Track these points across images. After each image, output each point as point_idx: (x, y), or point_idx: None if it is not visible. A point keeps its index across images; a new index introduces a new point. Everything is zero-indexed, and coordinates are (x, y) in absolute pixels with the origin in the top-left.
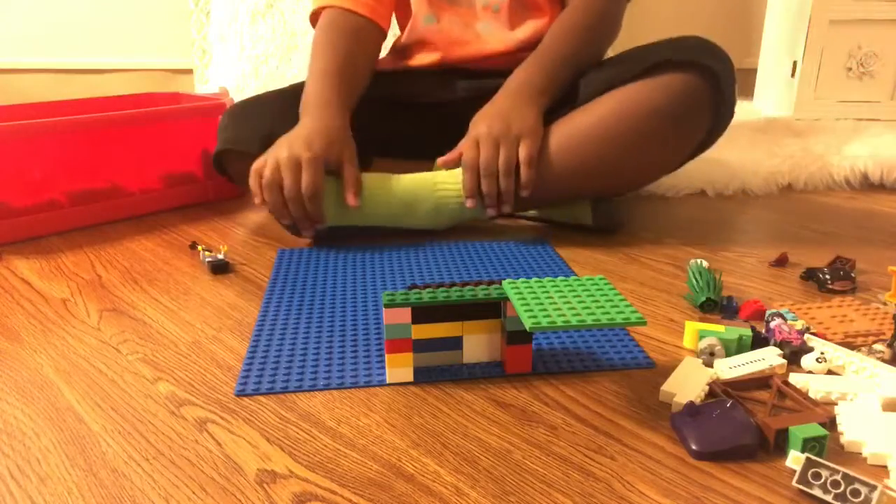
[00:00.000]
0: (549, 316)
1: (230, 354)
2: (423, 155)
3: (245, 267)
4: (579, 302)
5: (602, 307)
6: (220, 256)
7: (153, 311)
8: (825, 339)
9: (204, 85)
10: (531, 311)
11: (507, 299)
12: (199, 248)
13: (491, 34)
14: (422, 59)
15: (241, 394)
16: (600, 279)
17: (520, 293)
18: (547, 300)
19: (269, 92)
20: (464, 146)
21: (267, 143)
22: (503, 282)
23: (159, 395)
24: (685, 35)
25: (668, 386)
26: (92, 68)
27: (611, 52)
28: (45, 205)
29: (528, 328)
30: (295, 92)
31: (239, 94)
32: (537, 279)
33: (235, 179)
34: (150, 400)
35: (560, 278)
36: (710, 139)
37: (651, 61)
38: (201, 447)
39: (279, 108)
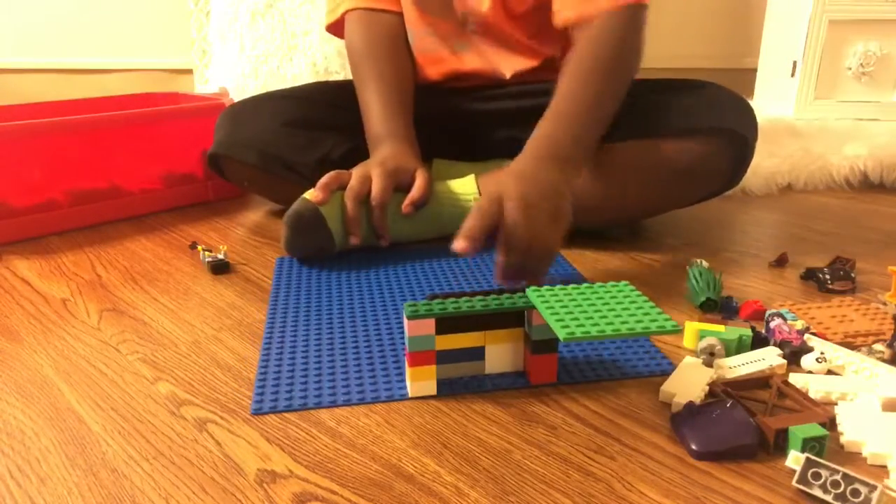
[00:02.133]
0: (582, 325)
1: (230, 354)
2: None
3: (245, 267)
4: (609, 310)
5: (634, 315)
6: (220, 256)
7: (153, 310)
8: (825, 339)
9: (204, 85)
10: (562, 320)
11: (533, 308)
12: (199, 248)
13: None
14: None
15: (257, 412)
16: (625, 285)
17: (547, 302)
18: (576, 308)
19: (268, 94)
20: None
21: (262, 153)
22: (527, 290)
23: (159, 395)
24: (717, 88)
25: (668, 386)
26: (92, 68)
27: None
28: (45, 205)
29: (561, 339)
30: (294, 95)
31: (239, 94)
32: (560, 286)
33: (230, 180)
34: (150, 400)
35: (584, 285)
36: (723, 190)
37: (694, 125)
38: (201, 447)
39: (275, 114)
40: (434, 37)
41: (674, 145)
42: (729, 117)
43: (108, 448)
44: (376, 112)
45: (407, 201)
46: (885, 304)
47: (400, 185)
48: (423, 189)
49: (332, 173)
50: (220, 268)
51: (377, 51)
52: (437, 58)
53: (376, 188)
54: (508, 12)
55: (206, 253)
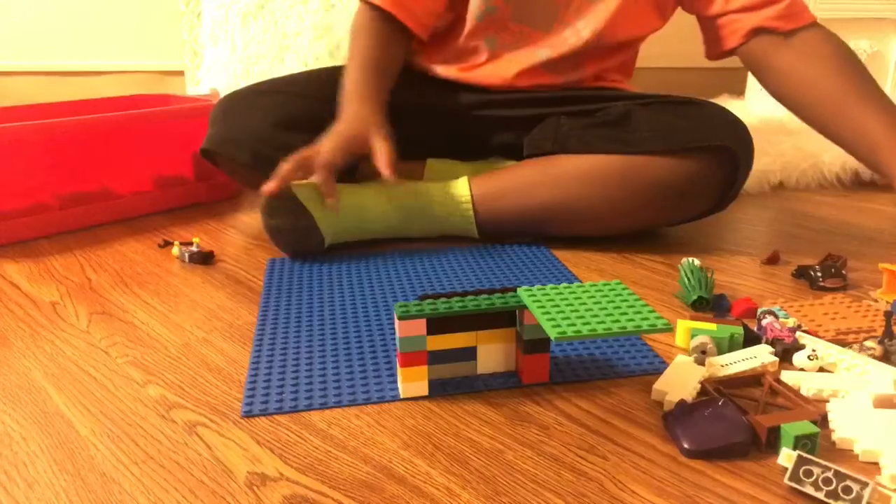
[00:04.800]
0: (573, 325)
1: (220, 357)
2: (416, 156)
3: (236, 268)
4: (601, 309)
5: (625, 314)
6: (194, 249)
7: (143, 313)
8: (817, 336)
9: (195, 87)
10: (553, 319)
11: (524, 308)
12: (176, 243)
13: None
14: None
15: (248, 415)
16: (617, 284)
17: (538, 301)
18: (567, 307)
19: (261, 88)
20: None
21: (256, 153)
22: (519, 289)
23: (149, 399)
24: (713, 106)
25: (660, 384)
26: (83, 70)
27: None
28: (35, 208)
29: (553, 338)
30: (287, 90)
31: None
32: (552, 286)
33: (225, 172)
34: (139, 403)
35: (576, 284)
36: (712, 211)
37: (686, 142)
38: (191, 450)
39: (269, 111)
40: (485, 41)
41: (664, 164)
42: (720, 138)
43: (96, 452)
44: (351, 76)
45: (384, 169)
46: (876, 300)
47: (356, 151)
48: (386, 153)
49: (292, 158)
50: (205, 259)
51: (371, 40)
52: (475, 63)
53: (325, 149)
54: (600, 44)
55: (183, 247)
